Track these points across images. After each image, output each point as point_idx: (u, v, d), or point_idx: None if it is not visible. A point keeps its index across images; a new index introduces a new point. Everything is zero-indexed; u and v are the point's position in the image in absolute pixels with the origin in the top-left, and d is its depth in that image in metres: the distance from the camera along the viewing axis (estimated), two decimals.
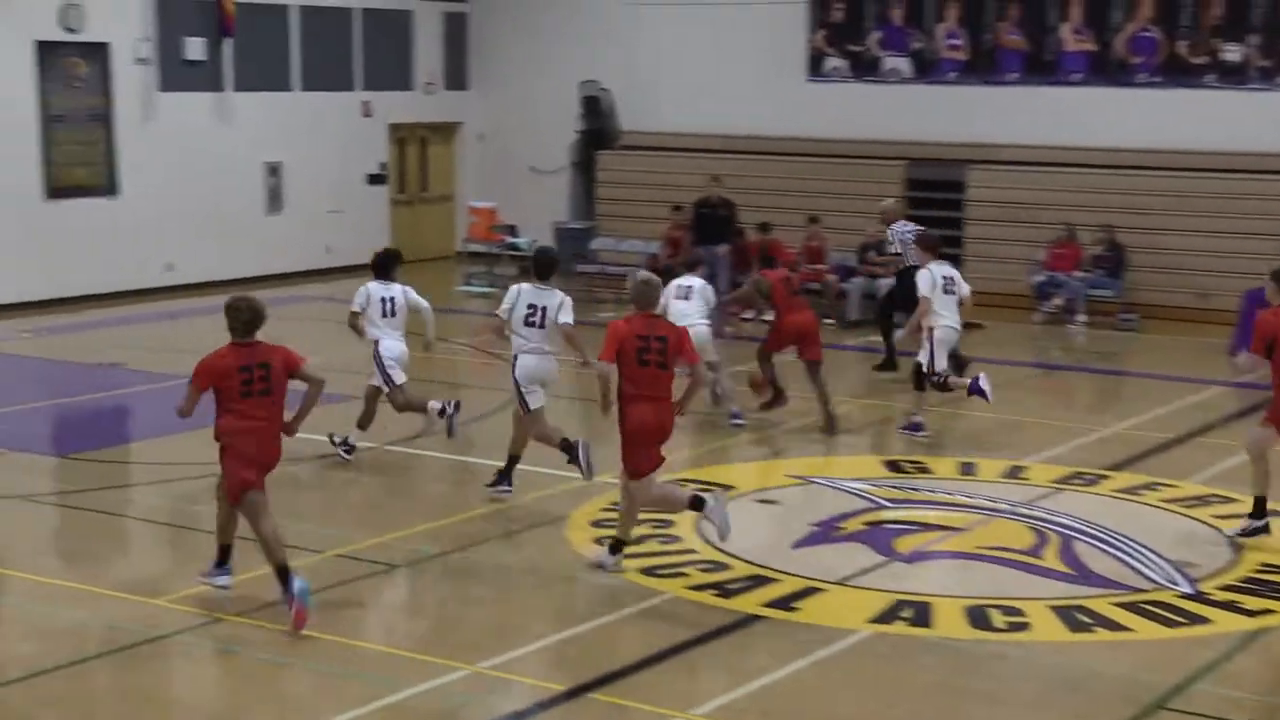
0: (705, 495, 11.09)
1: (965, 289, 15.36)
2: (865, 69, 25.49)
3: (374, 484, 13.82)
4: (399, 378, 14.15)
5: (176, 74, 24.37)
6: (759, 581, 10.99)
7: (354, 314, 14.23)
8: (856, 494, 13.21)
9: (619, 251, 25.33)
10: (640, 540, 11.76)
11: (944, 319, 15.11)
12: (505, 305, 12.70)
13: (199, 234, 24.47)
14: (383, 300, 14.12)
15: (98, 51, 23.39)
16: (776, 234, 21.70)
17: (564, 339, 12.71)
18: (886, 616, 10.42)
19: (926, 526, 12.36)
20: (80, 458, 14.38)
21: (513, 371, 12.76)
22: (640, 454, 10.96)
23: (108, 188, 23.56)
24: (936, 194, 24.10)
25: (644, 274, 11.34)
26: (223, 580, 10.50)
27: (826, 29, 25.74)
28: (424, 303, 14.39)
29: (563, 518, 12.48)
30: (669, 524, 12.21)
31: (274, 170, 26.01)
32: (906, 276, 17.48)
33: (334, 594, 10.64)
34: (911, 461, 14.38)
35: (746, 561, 11.38)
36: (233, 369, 10.11)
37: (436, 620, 10.51)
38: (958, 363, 16.39)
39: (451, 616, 10.54)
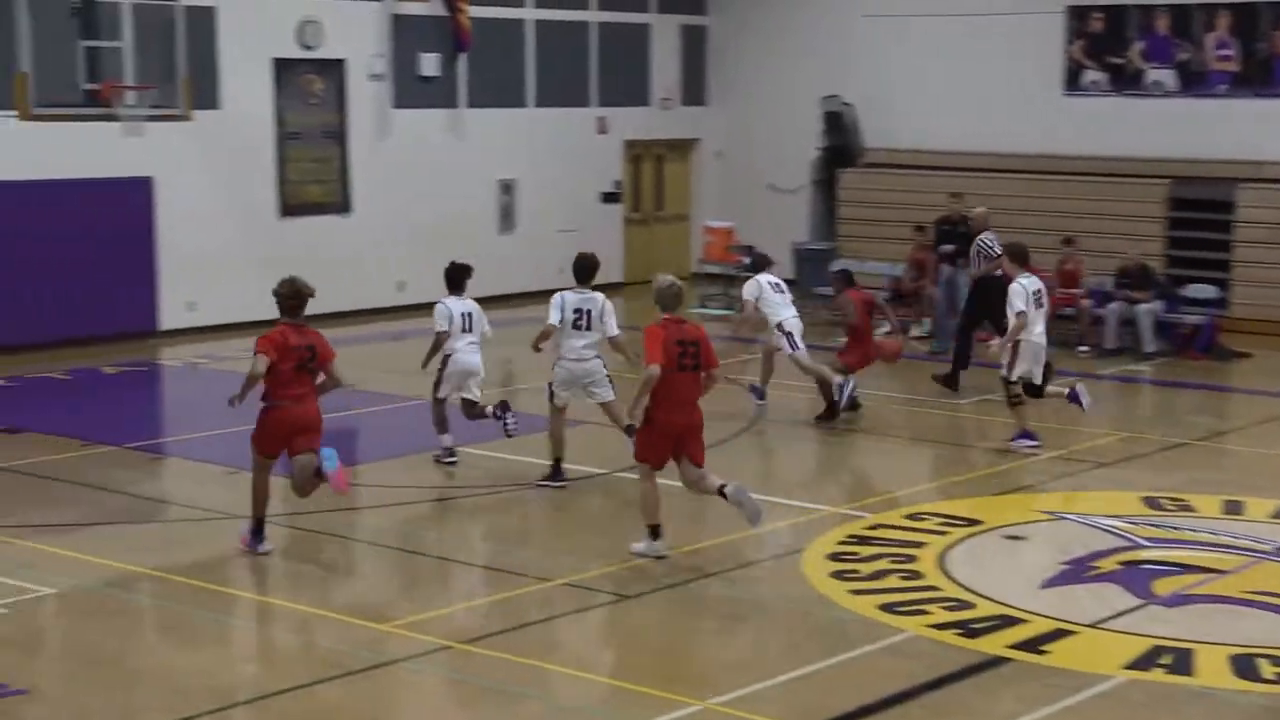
0: (725, 484, 11.87)
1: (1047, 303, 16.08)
2: (1126, 82, 24.94)
3: (605, 510, 13.89)
4: (442, 391, 14.80)
5: (411, 90, 24.95)
6: (1005, 622, 10.78)
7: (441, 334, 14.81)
8: (1112, 531, 12.89)
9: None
10: (879, 575, 11.64)
11: (1034, 331, 15.72)
12: (555, 315, 14.22)
13: (430, 252, 24.88)
14: (463, 316, 14.87)
15: (333, 68, 24.07)
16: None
17: (613, 347, 14.07)
18: (1143, 663, 10.13)
19: (1188, 568, 11.99)
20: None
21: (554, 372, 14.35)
22: (662, 448, 11.84)
23: (341, 205, 24.19)
24: (1203, 214, 23.45)
25: (668, 278, 12.22)
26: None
27: (1084, 39, 25.26)
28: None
29: (798, 550, 12.40)
30: (910, 559, 12.06)
31: (507, 188, 26.44)
32: (982, 287, 18.64)
33: (562, 624, 10.71)
34: (1172, 498, 13.98)
35: (992, 600, 11.17)
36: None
37: (666, 654, 10.51)
38: (1046, 371, 16.33)
39: (682, 650, 10.53)
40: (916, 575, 11.78)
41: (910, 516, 13.33)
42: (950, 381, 18.79)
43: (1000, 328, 16.91)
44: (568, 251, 26.90)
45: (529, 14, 26.45)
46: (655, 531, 12.10)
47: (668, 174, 29.40)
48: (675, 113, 28.87)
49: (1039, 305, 15.73)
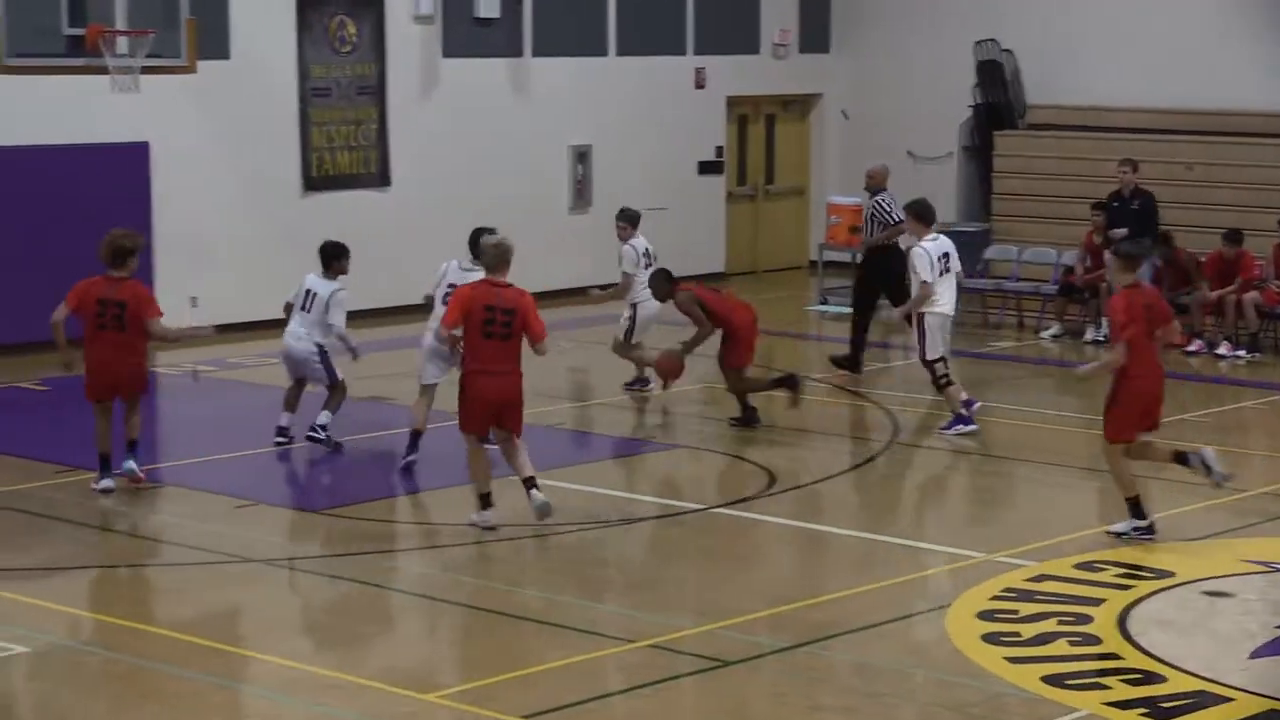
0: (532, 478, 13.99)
1: (958, 266, 17.61)
2: None
3: (700, 555, 13.87)
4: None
5: (464, 35, 25.06)
6: (1204, 699, 10.67)
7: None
8: None
9: (1020, 262, 25.00)
10: (1044, 640, 11.55)
11: (940, 302, 17.33)
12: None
13: None
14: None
15: (370, 8, 24.19)
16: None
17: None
18: None
19: None
20: (335, 513, 14.80)
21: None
22: (477, 417, 13.95)
23: (378, 177, 24.33)
24: None
25: (497, 236, 14.25)
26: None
27: None
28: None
29: (942, 607, 12.33)
30: (1083, 619, 11.97)
31: (581, 156, 26.50)
32: (876, 257, 20.60)
33: (646, 696, 10.69)
34: None
35: (1187, 672, 11.06)
36: None
37: None
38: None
39: None
40: (1091, 640, 11.69)
41: (1082, 566, 13.23)
42: (850, 365, 20.45)
43: (899, 302, 18.88)
44: (657, 234, 27.09)
45: None
46: (484, 501, 13.96)
47: (781, 138, 29.37)
48: (791, 62, 28.83)
49: (945, 271, 17.32)
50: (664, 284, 18.33)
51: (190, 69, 20.00)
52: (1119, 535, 13.90)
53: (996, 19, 27.18)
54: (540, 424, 17.95)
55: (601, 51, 26.63)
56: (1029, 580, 12.93)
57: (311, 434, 16.65)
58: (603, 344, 20.79)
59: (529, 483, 13.94)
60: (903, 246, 19.34)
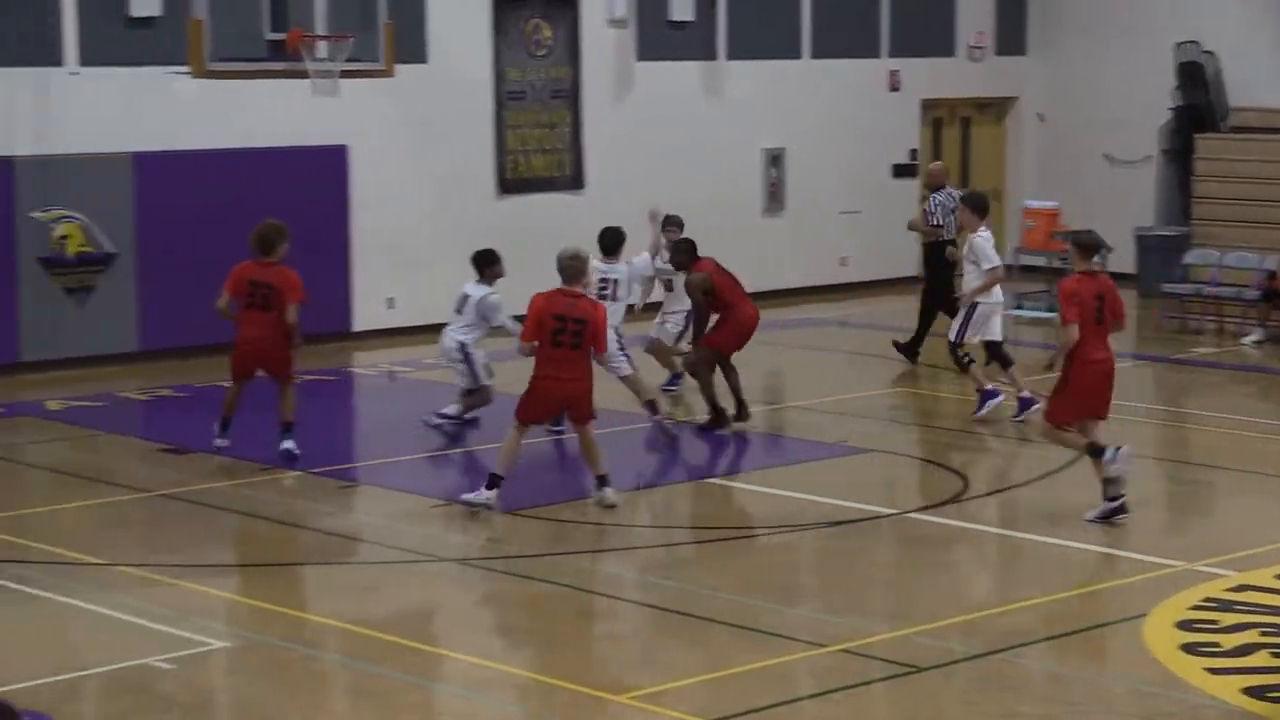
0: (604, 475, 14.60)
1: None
2: None
3: (894, 559, 13.81)
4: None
5: (659, 38, 25.12)
6: None
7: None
8: None
9: (1220, 266, 24.61)
10: (1246, 650, 11.36)
11: (994, 292, 18.08)
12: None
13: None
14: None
15: (565, 12, 24.33)
16: None
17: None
18: None
19: None
20: (529, 514, 14.88)
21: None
22: (537, 408, 14.69)
23: (571, 180, 24.45)
24: None
25: (572, 248, 14.50)
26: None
27: None
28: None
29: (1140, 615, 12.16)
30: None
31: (775, 159, 26.47)
32: (937, 252, 21.12)
33: (837, 701, 10.65)
34: None
35: None
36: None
37: None
38: (1002, 361, 18.45)
39: None
40: None
41: None
42: (908, 352, 21.12)
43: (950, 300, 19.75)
44: (851, 238, 27.05)
45: None
46: (494, 481, 14.43)
47: (976, 141, 29.14)
48: (986, 64, 28.60)
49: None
50: (685, 255, 18.20)
51: (388, 73, 20.29)
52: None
53: (1197, 20, 26.79)
54: (733, 426, 17.96)
55: (795, 54, 26.58)
56: (1229, 590, 12.72)
57: (437, 420, 17.37)
58: (800, 348, 20.82)
59: (601, 480, 14.59)
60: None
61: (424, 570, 13.09)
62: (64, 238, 20.64)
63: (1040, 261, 25.94)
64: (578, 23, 24.46)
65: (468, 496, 14.57)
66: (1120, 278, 16.60)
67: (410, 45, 22.44)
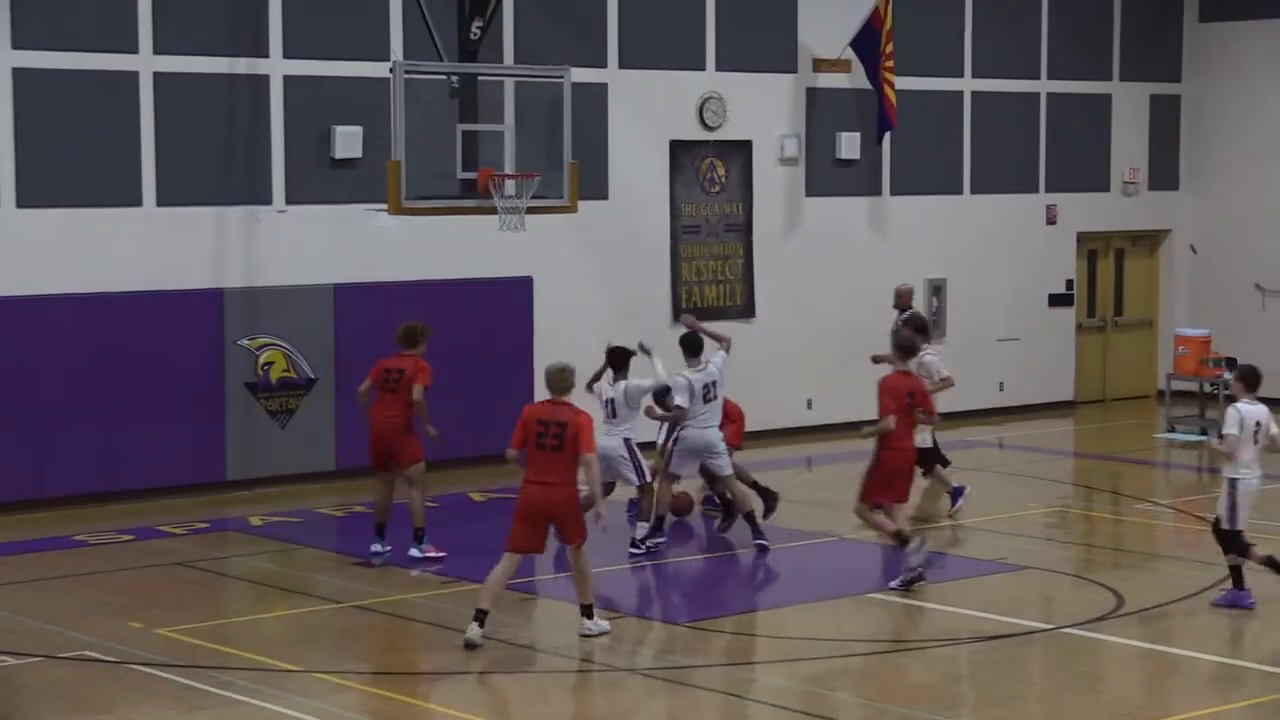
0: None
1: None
2: None
3: (1049, 673, 13.55)
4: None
5: (827, 175, 25.13)
6: None
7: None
8: None
9: None
10: None
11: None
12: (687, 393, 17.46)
13: (844, 365, 24.88)
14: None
15: (738, 150, 24.43)
16: None
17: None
18: None
19: None
20: (697, 626, 14.79)
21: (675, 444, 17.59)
22: (519, 526, 14.14)
23: (744, 309, 24.44)
24: None
25: (560, 363, 14.38)
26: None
27: None
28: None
29: None
30: None
31: (937, 289, 26.31)
32: None
33: None
34: None
35: None
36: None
37: None
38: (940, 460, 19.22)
39: None
40: None
41: None
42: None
43: None
44: (1009, 364, 26.80)
45: (966, 85, 26.40)
46: (584, 611, 14.20)
47: (1130, 272, 28.80)
48: (1140, 199, 28.30)
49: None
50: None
51: (572, 208, 20.35)
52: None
53: None
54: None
55: (957, 190, 26.47)
56: None
57: (633, 549, 17.14)
58: (961, 469, 20.54)
59: (586, 611, 14.25)
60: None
61: (601, 680, 13.01)
62: (268, 364, 20.93)
63: (1192, 387, 25.51)
64: (750, 162, 24.53)
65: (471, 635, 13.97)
66: (1271, 402, 16.20)
67: (593, 182, 22.57)
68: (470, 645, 13.76)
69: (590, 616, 14.17)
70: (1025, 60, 26.99)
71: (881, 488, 16.17)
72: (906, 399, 16.13)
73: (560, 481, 13.96)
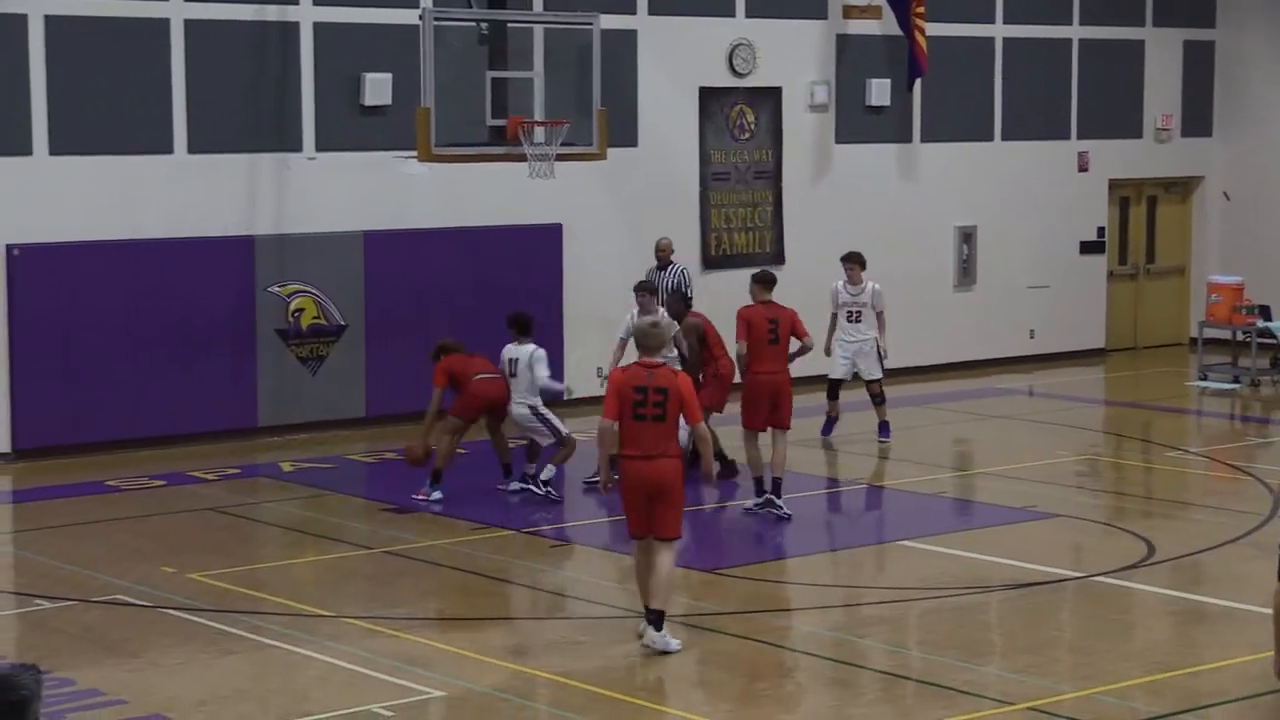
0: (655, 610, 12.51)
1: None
2: None
3: (1079, 621, 13.57)
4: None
5: (856, 122, 25.07)
6: None
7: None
8: None
9: None
10: None
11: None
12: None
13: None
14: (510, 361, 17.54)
15: (768, 97, 24.38)
16: None
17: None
18: None
19: None
20: (723, 572, 14.84)
21: None
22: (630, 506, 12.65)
23: (773, 256, 24.42)
24: None
25: (650, 318, 14.08)
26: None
27: None
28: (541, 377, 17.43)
29: None
30: None
31: (967, 237, 26.27)
32: None
33: None
34: None
35: None
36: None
37: None
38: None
39: None
40: None
41: None
42: None
43: None
44: (1039, 312, 26.77)
45: (998, 31, 26.29)
46: (652, 617, 12.52)
47: (1162, 219, 28.71)
48: (1173, 146, 28.20)
49: None
50: (681, 305, 18.54)
51: (601, 155, 20.34)
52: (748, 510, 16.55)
53: None
54: (923, 491, 17.83)
55: (988, 136, 26.39)
56: None
57: (529, 486, 17.42)
58: (989, 417, 20.60)
59: (656, 619, 12.45)
60: None
61: (630, 626, 13.06)
62: (298, 311, 20.99)
63: (1224, 334, 25.45)
64: (780, 108, 24.49)
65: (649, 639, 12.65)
66: None
67: (622, 130, 22.56)
68: (655, 648, 12.48)
69: (660, 627, 12.44)
70: (1057, 6, 26.87)
71: (749, 413, 16.80)
72: (767, 325, 16.76)
73: (664, 453, 12.48)
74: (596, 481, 14.45)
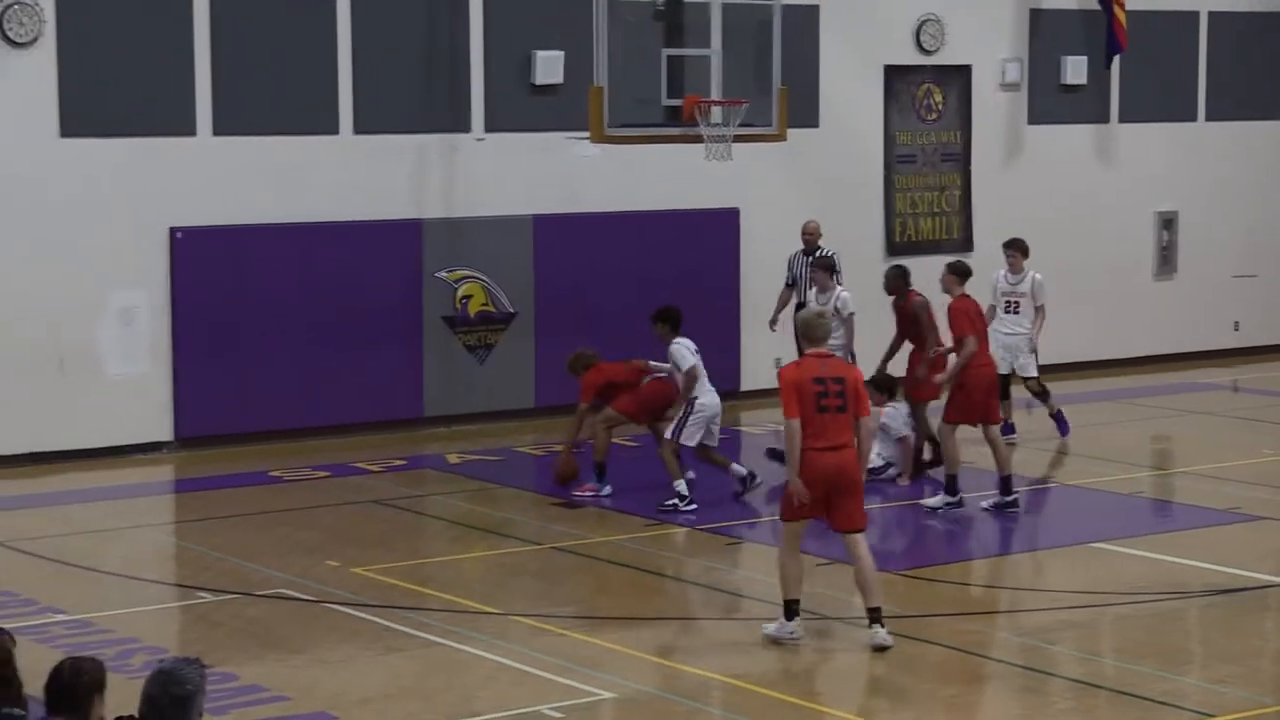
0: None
1: None
2: None
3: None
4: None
5: (1050, 102, 24.84)
6: None
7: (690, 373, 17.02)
8: None
9: None
10: None
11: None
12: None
13: (1065, 301, 24.64)
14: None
15: (957, 76, 24.23)
16: None
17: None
18: None
19: None
20: (913, 574, 14.78)
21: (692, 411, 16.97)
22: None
23: (961, 242, 24.26)
24: None
25: (815, 307, 13.96)
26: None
27: None
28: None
29: None
30: None
31: (1168, 223, 25.94)
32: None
33: None
34: None
35: None
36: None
37: None
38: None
39: None
40: None
41: None
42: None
43: None
44: (1245, 303, 26.35)
45: (1203, 4, 25.93)
46: (790, 609, 12.65)
47: None
48: None
49: None
50: (901, 280, 18.47)
51: (781, 137, 20.30)
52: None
53: None
54: (1119, 491, 17.65)
55: (1191, 116, 26.03)
56: None
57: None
58: (1191, 413, 20.33)
59: (874, 615, 12.63)
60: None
61: (807, 628, 13.04)
62: (466, 297, 21.17)
63: None
64: (969, 87, 24.32)
65: (769, 630, 12.84)
66: None
67: (803, 110, 22.48)
68: (793, 637, 12.72)
69: (881, 623, 12.60)
70: None
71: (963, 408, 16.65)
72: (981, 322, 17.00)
73: (847, 444, 12.53)
74: (775, 451, 15.84)
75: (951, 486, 16.62)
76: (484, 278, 21.24)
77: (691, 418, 16.99)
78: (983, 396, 16.60)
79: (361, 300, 20.56)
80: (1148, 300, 25.62)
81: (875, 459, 17.41)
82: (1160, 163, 25.68)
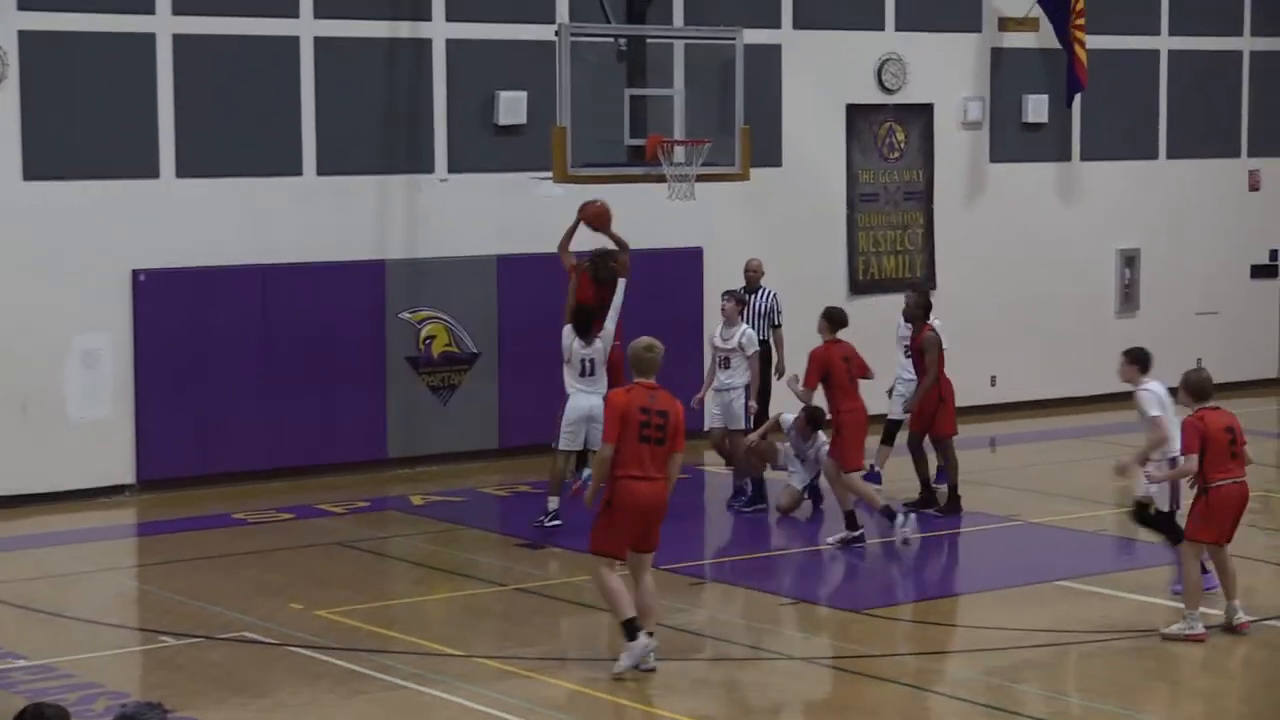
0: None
1: None
2: None
3: (1251, 668, 13.43)
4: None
5: (1012, 140, 24.96)
6: None
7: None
8: None
9: None
10: None
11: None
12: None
13: (1028, 338, 24.82)
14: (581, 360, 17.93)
15: (918, 114, 24.33)
16: None
17: None
18: None
19: None
20: (872, 613, 14.80)
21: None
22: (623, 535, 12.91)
23: (923, 281, 24.29)
24: None
25: (646, 339, 13.32)
26: None
27: None
28: None
29: None
30: None
31: (1130, 260, 26.05)
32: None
33: None
34: None
35: None
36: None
37: None
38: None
39: None
40: None
41: None
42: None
43: None
44: (1207, 339, 26.45)
45: (1163, 43, 26.09)
46: (630, 629, 12.83)
47: None
48: None
49: None
50: (923, 304, 18.84)
51: (744, 176, 20.36)
52: None
53: None
54: (1083, 529, 17.70)
55: (1152, 154, 26.17)
56: None
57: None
58: None
59: (640, 630, 12.95)
60: None
61: (771, 668, 13.06)
62: (430, 338, 21.18)
63: None
64: (931, 126, 24.42)
65: (624, 664, 12.97)
66: None
67: (765, 149, 22.57)
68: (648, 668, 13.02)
69: (638, 636, 12.89)
70: (1226, 16, 26.60)
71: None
72: (843, 364, 17.44)
73: (662, 475, 12.99)
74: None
75: (852, 521, 16.95)
76: (447, 318, 21.25)
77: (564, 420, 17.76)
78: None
79: (325, 341, 20.55)
80: (1110, 337, 25.62)
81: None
82: (1122, 200, 25.81)
